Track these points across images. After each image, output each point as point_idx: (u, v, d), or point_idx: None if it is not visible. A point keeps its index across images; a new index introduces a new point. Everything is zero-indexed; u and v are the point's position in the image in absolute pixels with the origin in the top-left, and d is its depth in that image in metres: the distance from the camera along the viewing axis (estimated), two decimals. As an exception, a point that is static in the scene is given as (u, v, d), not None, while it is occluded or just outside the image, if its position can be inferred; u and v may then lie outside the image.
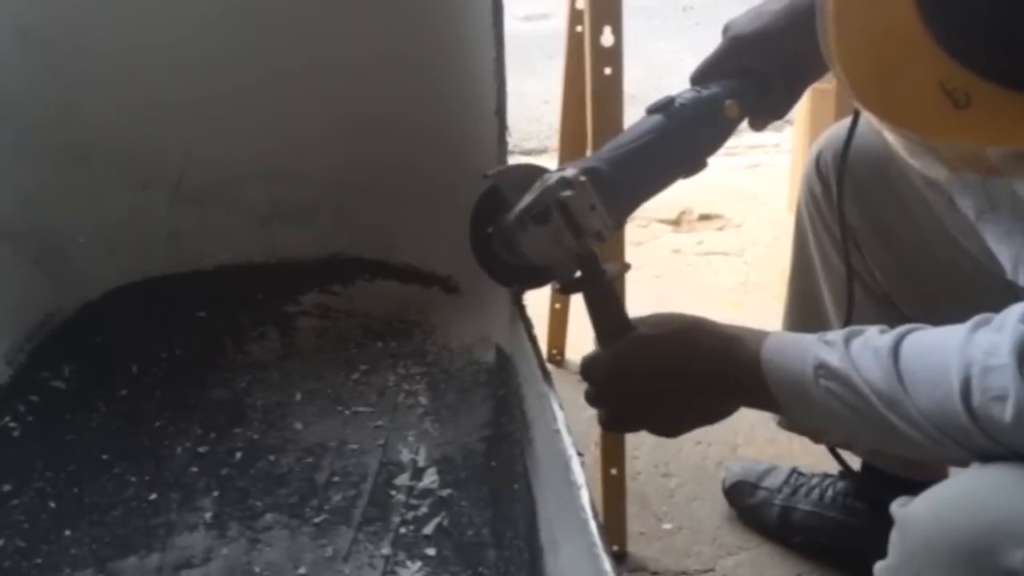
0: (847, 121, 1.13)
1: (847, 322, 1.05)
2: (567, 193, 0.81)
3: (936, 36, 0.60)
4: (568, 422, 0.94)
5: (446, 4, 1.11)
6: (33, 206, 1.16)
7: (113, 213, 1.20)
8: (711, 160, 0.92)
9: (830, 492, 1.42)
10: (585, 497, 0.82)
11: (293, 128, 1.18)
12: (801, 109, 2.11)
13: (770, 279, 2.08)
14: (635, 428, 0.86)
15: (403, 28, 1.13)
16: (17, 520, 0.95)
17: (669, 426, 0.85)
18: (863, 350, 0.71)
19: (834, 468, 1.44)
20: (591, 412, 1.56)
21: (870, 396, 0.69)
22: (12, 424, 1.06)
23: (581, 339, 1.79)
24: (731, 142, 3.14)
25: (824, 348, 0.72)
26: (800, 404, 0.73)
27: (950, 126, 0.61)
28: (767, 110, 0.95)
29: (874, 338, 0.71)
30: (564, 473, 0.86)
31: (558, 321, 1.83)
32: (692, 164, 0.90)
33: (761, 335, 0.77)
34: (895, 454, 0.98)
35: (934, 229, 1.05)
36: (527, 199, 0.84)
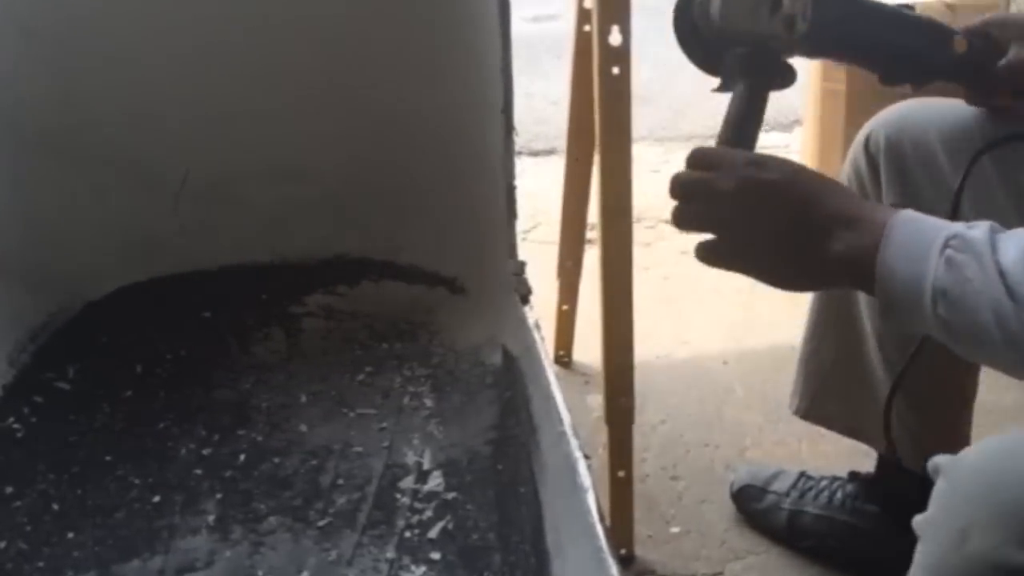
0: (901, 104, 1.13)
1: None
2: None
3: None
4: (575, 425, 0.93)
5: (453, 4, 1.11)
6: (37, 205, 1.15)
7: (117, 212, 1.19)
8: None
9: (839, 495, 1.41)
10: (592, 501, 0.81)
11: (299, 128, 1.18)
12: (810, 109, 2.10)
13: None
14: (736, 252, 0.75)
15: (410, 28, 1.12)
16: (20, 522, 0.95)
17: (766, 266, 0.74)
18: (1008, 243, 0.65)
19: (843, 471, 1.44)
20: (598, 414, 1.57)
21: (994, 268, 0.63)
22: (16, 425, 1.06)
23: (588, 341, 1.78)
24: (740, 142, 3.07)
25: (965, 226, 0.67)
26: (905, 312, 0.67)
27: None
28: (989, 76, 0.96)
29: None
30: (571, 476, 0.85)
31: (566, 322, 1.83)
32: (893, 63, 0.91)
33: (893, 211, 0.70)
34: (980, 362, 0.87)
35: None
36: None
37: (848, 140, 1.97)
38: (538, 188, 2.30)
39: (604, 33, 1.24)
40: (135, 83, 1.13)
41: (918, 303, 0.66)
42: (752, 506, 1.47)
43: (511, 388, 1.06)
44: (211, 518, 0.96)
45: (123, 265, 1.21)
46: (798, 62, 0.88)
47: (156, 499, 0.98)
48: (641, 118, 2.33)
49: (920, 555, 0.71)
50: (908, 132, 1.13)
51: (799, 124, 2.65)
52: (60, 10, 1.08)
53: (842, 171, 1.24)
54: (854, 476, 1.41)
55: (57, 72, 1.11)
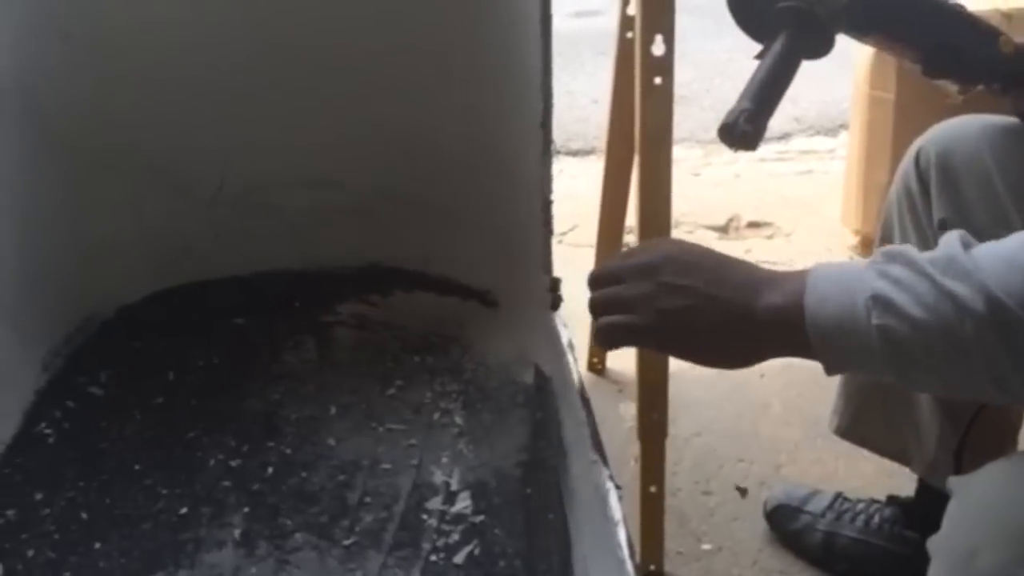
0: (952, 120, 1.10)
1: None
2: None
3: None
4: (607, 438, 0.91)
5: (494, 13, 1.09)
6: (72, 210, 1.15)
7: (152, 218, 1.19)
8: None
9: (877, 519, 1.38)
10: (622, 535, 0.79)
11: (335, 135, 1.17)
12: (857, 116, 2.06)
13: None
14: (676, 339, 0.74)
15: (449, 39, 1.11)
16: (48, 530, 0.95)
17: (688, 334, 0.73)
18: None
19: (881, 493, 1.40)
20: (631, 424, 1.54)
21: (932, 272, 0.62)
22: (48, 431, 1.06)
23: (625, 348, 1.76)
24: (782, 146, 3.09)
25: (877, 277, 0.65)
26: (841, 312, 0.64)
27: None
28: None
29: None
30: (601, 508, 0.84)
31: (600, 330, 1.80)
32: (936, 54, 0.89)
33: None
34: (953, 395, 0.84)
35: None
36: None
37: (895, 149, 1.94)
38: (576, 189, 2.27)
39: (647, 43, 1.21)
40: (172, 90, 1.12)
41: (852, 321, 0.64)
42: (786, 526, 1.45)
43: (542, 409, 1.04)
44: (237, 532, 0.95)
45: (157, 270, 1.21)
46: (840, 59, 0.87)
47: (183, 511, 0.98)
48: (682, 119, 2.30)
49: (931, 574, 0.70)
50: (960, 149, 1.10)
51: (844, 128, 2.60)
52: (100, 18, 1.07)
53: (891, 189, 1.21)
54: (892, 500, 1.38)
55: (96, 79, 1.11)
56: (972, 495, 0.68)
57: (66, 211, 1.16)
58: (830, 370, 0.68)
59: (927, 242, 1.14)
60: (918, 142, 1.16)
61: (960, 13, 0.91)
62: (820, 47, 0.84)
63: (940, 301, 0.62)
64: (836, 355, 0.66)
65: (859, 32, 0.90)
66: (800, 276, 0.68)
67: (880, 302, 0.63)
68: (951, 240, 0.65)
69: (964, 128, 1.11)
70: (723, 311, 0.70)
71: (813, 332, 0.66)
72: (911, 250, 0.65)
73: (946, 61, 0.91)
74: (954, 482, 0.70)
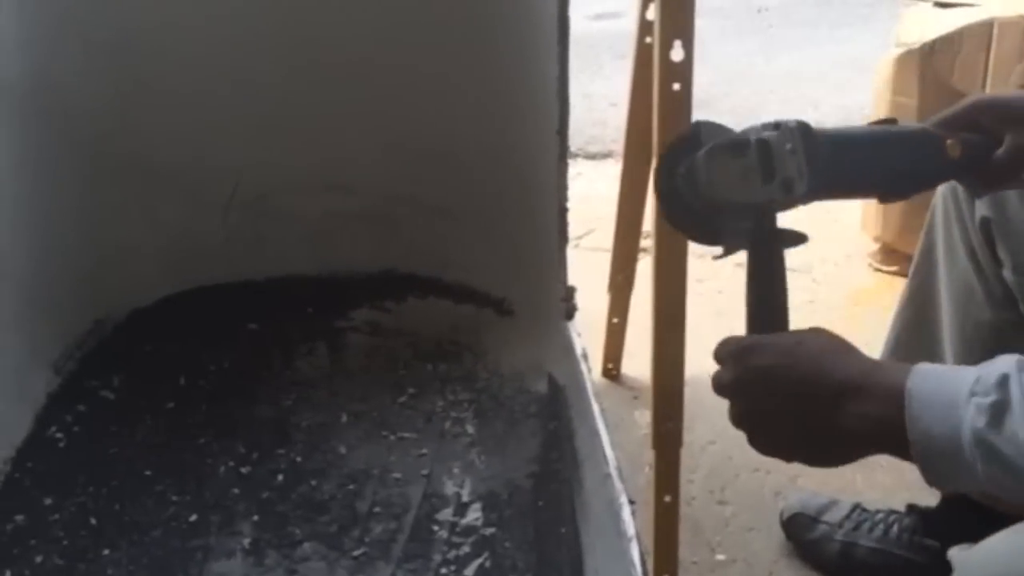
0: None
1: None
2: (771, 133, 0.76)
3: None
4: (622, 444, 0.90)
5: (511, 19, 1.08)
6: (86, 213, 1.15)
7: (166, 222, 1.19)
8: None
9: (895, 528, 1.36)
10: (635, 552, 0.78)
11: (349, 140, 1.16)
12: (879, 122, 2.04)
13: (840, 299, 2.01)
14: (758, 432, 0.75)
15: (465, 43, 1.10)
16: (57, 536, 0.95)
17: (787, 444, 0.74)
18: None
19: (899, 504, 1.38)
20: (645, 431, 1.52)
21: None
22: (58, 435, 1.06)
23: (638, 353, 1.74)
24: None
25: (985, 366, 0.63)
26: (948, 472, 0.64)
27: None
28: (989, 169, 0.89)
29: None
30: (614, 522, 0.83)
31: (615, 335, 1.79)
32: (891, 184, 0.85)
33: (908, 365, 0.68)
34: None
35: None
36: (730, 134, 0.79)
37: (918, 155, 1.91)
38: (593, 192, 2.25)
39: (666, 48, 1.20)
40: (188, 96, 1.12)
41: (958, 460, 0.63)
42: (803, 536, 1.43)
43: (556, 419, 1.03)
44: (246, 541, 0.95)
45: (170, 274, 1.20)
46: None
47: (193, 518, 0.98)
48: (701, 123, 2.28)
49: None
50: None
51: (866, 133, 2.57)
52: (118, 23, 1.07)
53: (936, 193, 1.20)
54: (912, 509, 1.36)
55: (113, 84, 1.10)
56: (973, 569, 0.68)
57: (80, 214, 1.16)
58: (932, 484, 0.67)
59: (969, 241, 1.12)
60: None
61: (903, 139, 0.87)
62: (793, 239, 0.79)
63: None
64: (944, 480, 0.66)
65: (813, 201, 0.85)
66: (891, 398, 0.66)
67: (984, 447, 0.62)
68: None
69: None
70: (807, 428, 0.70)
71: (920, 461, 0.65)
72: (1007, 381, 0.62)
73: (901, 187, 0.87)
74: (955, 555, 0.70)
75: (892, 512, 1.38)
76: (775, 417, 0.71)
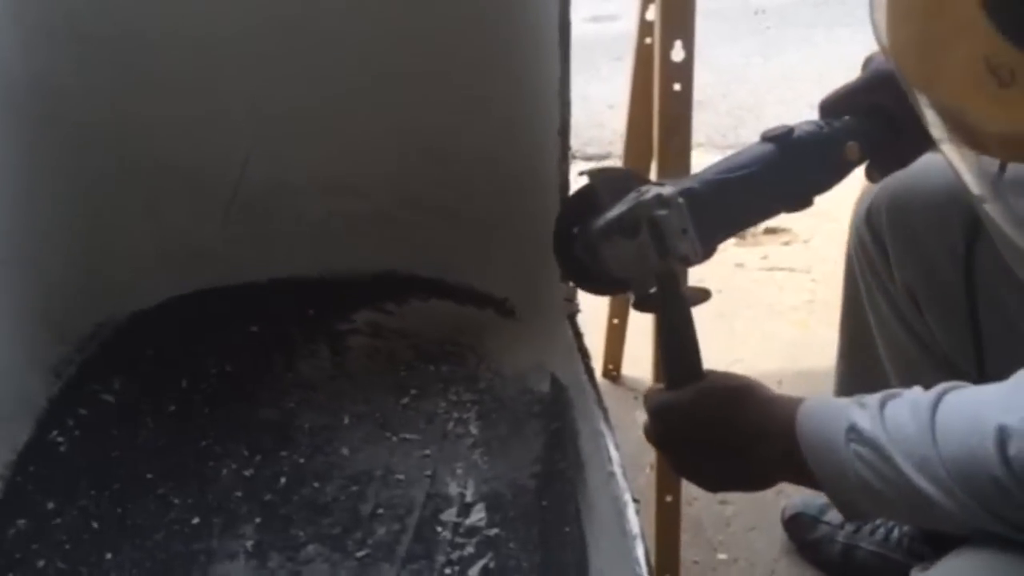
0: (901, 173, 1.03)
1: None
2: (661, 212, 0.77)
3: (989, 12, 0.59)
4: (622, 445, 0.90)
5: (513, 20, 1.08)
6: (87, 214, 1.15)
7: (167, 223, 1.18)
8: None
9: (895, 533, 1.36)
10: (640, 550, 0.78)
11: (351, 141, 1.16)
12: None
13: (838, 298, 2.00)
14: (689, 477, 0.82)
15: (467, 43, 1.10)
16: (59, 540, 0.94)
17: (716, 484, 0.83)
18: (899, 408, 0.67)
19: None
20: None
21: (897, 458, 0.65)
22: (60, 439, 1.05)
23: (638, 354, 1.74)
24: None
25: (857, 411, 0.68)
26: (832, 473, 0.69)
27: (991, 102, 0.60)
28: (892, 157, 0.89)
29: (915, 394, 0.68)
30: (618, 521, 0.83)
31: (616, 336, 1.79)
32: (797, 200, 0.85)
33: (798, 400, 0.74)
34: (928, 528, 0.94)
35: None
36: (618, 209, 0.80)
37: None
38: (592, 195, 2.25)
39: (666, 48, 1.20)
40: (189, 94, 1.12)
41: (851, 490, 0.69)
42: (804, 535, 1.43)
43: (559, 419, 1.03)
44: (249, 544, 0.95)
45: (171, 276, 1.20)
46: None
47: (195, 521, 0.97)
48: (699, 125, 2.28)
49: None
50: (916, 200, 1.05)
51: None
52: (117, 20, 1.07)
53: (848, 243, 1.19)
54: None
55: (112, 82, 1.10)
56: None
57: (80, 217, 1.15)
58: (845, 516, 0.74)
59: (895, 305, 1.11)
60: (867, 199, 1.11)
61: (800, 158, 0.85)
62: (701, 296, 0.82)
63: (912, 495, 0.65)
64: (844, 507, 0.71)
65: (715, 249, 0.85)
66: (788, 439, 0.72)
67: (870, 491, 0.67)
68: (919, 412, 0.66)
69: (915, 176, 1.02)
70: (727, 469, 0.78)
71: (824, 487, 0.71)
72: (875, 431, 0.67)
73: (806, 198, 0.86)
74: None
75: (893, 516, 1.38)
76: (698, 464, 0.79)
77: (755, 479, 0.78)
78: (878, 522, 1.36)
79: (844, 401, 0.71)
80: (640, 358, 1.74)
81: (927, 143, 0.85)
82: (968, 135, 0.65)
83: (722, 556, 1.45)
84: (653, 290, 0.81)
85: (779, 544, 1.45)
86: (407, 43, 1.11)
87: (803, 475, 0.71)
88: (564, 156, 1.07)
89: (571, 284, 1.12)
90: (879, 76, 0.87)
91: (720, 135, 2.72)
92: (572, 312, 1.11)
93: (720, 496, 1.55)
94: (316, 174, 1.19)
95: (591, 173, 0.84)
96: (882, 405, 0.68)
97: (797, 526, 1.43)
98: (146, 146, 1.14)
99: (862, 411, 0.68)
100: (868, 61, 0.90)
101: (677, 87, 1.21)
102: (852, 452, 0.67)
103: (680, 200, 0.77)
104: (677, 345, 0.80)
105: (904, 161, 0.91)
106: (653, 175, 1.28)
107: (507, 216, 1.15)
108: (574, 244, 0.86)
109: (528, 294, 1.15)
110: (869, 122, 0.85)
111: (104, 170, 1.15)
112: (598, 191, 0.83)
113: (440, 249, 1.20)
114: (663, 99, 1.21)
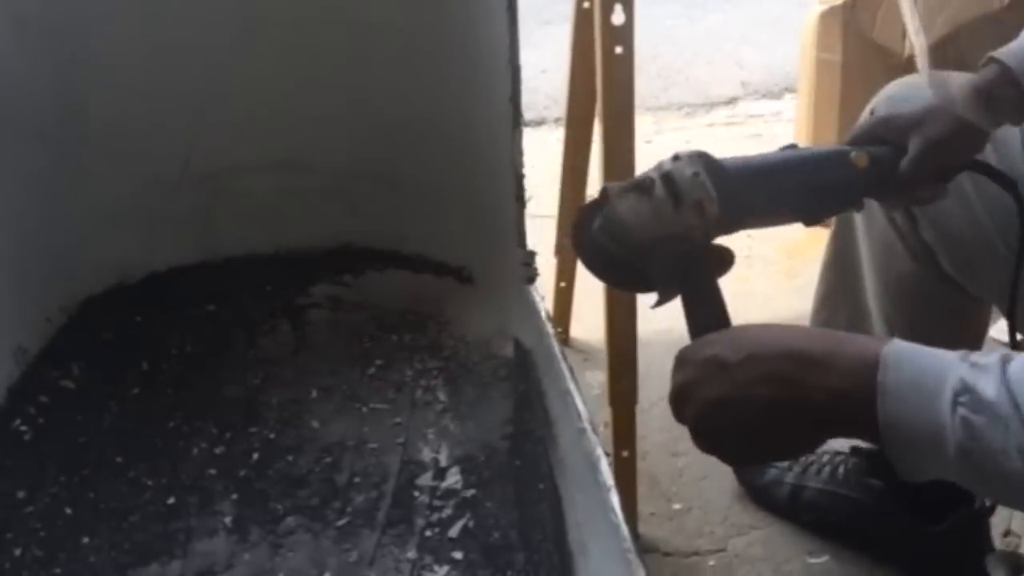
0: (902, 81, 1.11)
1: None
2: (670, 164, 0.78)
3: None
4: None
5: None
6: (33, 201, 1.12)
7: (116, 206, 1.17)
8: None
9: (842, 470, 1.41)
10: (615, 500, 0.81)
11: (301, 117, 1.16)
12: (804, 79, 2.09)
13: (774, 252, 2.07)
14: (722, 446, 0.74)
15: (415, 13, 1.10)
16: (33, 528, 0.94)
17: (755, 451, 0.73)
18: None
19: (845, 445, 1.44)
20: (598, 391, 1.56)
21: None
22: (23, 427, 1.04)
23: (586, 315, 1.77)
24: (730, 110, 3.09)
25: (969, 370, 0.59)
26: (918, 435, 0.60)
27: None
28: (899, 177, 0.93)
29: None
30: (592, 474, 0.85)
31: (564, 300, 1.82)
32: (807, 204, 0.88)
33: (881, 340, 0.63)
34: None
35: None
36: (631, 179, 0.80)
37: (843, 111, 1.97)
38: (530, 160, 2.27)
39: (607, 12, 1.22)
40: (133, 72, 1.10)
41: (937, 456, 0.60)
42: (754, 480, 1.48)
43: (525, 381, 1.05)
44: (228, 519, 0.95)
45: (124, 260, 1.19)
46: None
47: (171, 500, 0.98)
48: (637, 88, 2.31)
49: None
50: (910, 100, 1.12)
51: (788, 91, 2.64)
52: (55, 1, 1.04)
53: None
54: (856, 451, 1.42)
55: (53, 63, 1.08)
56: None
57: (27, 203, 1.13)
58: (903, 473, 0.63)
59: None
60: (872, 102, 1.18)
61: (807, 159, 0.89)
62: (722, 265, 0.80)
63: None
64: (914, 467, 0.62)
65: (733, 229, 0.84)
66: (865, 371, 0.62)
67: (971, 458, 0.59)
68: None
69: (916, 86, 1.11)
70: (771, 408, 0.66)
71: (890, 449, 0.62)
72: (995, 396, 0.58)
73: (817, 208, 0.90)
74: None
75: (838, 453, 1.43)
76: (749, 395, 0.67)
77: (801, 419, 0.65)
78: (824, 459, 1.42)
79: (948, 355, 0.61)
80: (588, 320, 1.78)
81: (930, 169, 0.92)
82: None
83: (677, 506, 1.49)
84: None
85: (730, 491, 1.50)
86: (354, 15, 1.11)
87: (856, 423, 0.62)
88: (516, 123, 1.09)
89: (533, 251, 1.14)
90: (883, 120, 0.94)
91: (653, 96, 2.76)
92: (531, 276, 1.13)
93: (671, 449, 1.60)
94: (266, 150, 1.18)
95: (605, 187, 0.83)
96: (1003, 366, 0.59)
97: (747, 472, 1.48)
98: (93, 127, 1.12)
99: (977, 372, 0.59)
100: (873, 111, 1.00)
101: (619, 50, 1.23)
102: (960, 419, 0.58)
103: (692, 152, 0.79)
104: (710, 316, 0.76)
105: (909, 185, 0.93)
106: (596, 138, 1.30)
107: (461, 184, 1.16)
108: (593, 233, 0.82)
109: (486, 261, 1.17)
110: (873, 147, 0.92)
111: (49, 155, 1.12)
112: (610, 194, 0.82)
113: (395, 221, 1.21)
114: (605, 64, 1.23)
